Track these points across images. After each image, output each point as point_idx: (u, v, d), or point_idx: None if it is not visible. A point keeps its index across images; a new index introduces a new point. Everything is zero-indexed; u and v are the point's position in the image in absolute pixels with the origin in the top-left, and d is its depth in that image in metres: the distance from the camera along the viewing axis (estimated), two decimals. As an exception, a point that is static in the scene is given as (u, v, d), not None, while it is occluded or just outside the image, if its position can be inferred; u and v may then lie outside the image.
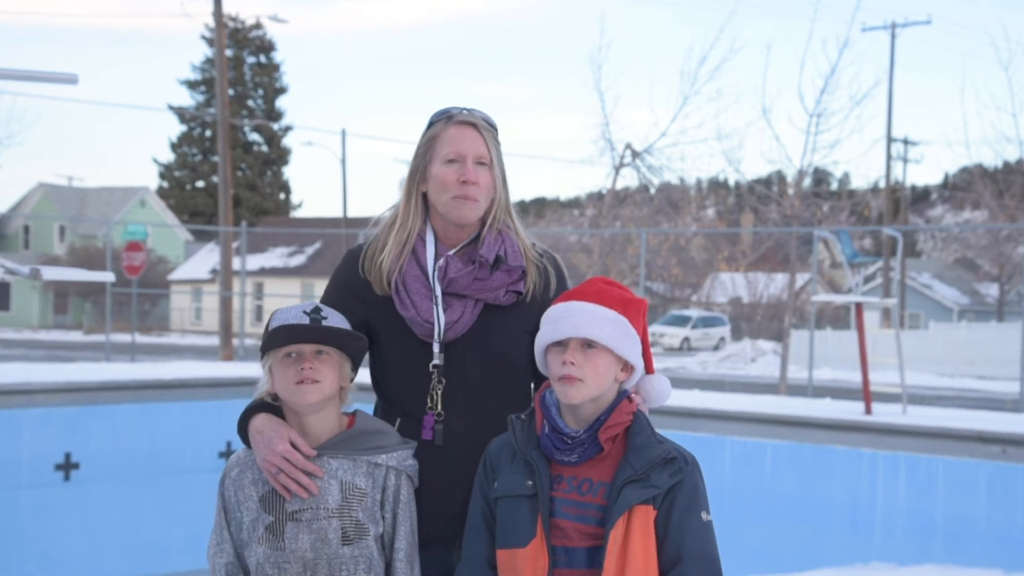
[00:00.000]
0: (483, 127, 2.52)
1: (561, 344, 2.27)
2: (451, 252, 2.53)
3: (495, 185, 2.53)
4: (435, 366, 2.48)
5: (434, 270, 2.50)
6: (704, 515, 2.25)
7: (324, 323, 2.38)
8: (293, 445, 2.37)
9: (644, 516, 2.21)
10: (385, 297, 2.52)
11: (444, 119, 2.53)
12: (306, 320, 2.37)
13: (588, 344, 2.25)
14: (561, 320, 2.28)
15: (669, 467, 2.23)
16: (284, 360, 2.37)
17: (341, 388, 2.44)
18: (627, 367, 2.30)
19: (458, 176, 2.47)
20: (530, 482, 2.26)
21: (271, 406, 2.44)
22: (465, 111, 2.54)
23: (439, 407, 2.48)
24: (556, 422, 2.27)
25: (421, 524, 2.46)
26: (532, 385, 2.57)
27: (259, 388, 2.44)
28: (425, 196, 2.55)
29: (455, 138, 2.50)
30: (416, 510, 2.47)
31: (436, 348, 2.47)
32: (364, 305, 2.55)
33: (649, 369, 2.39)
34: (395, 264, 2.51)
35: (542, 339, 2.32)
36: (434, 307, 2.48)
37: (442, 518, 2.44)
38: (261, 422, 2.40)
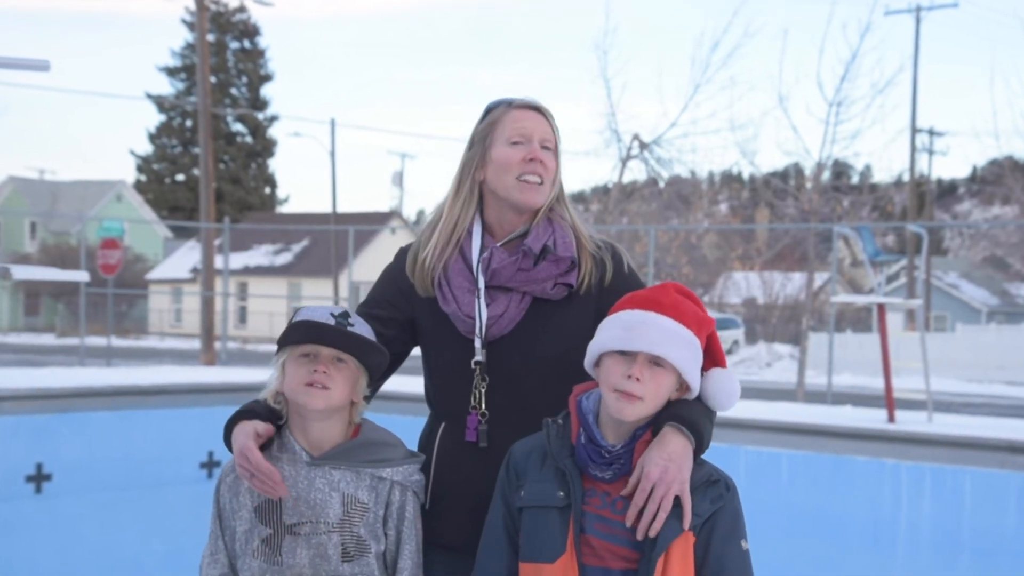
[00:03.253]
0: (546, 111, 2.57)
1: (626, 354, 2.23)
2: (498, 244, 2.54)
3: (558, 173, 2.57)
4: (477, 363, 2.48)
5: (478, 262, 2.51)
6: (744, 544, 2.25)
7: (349, 329, 2.39)
8: (269, 452, 2.38)
9: (684, 543, 2.19)
10: (429, 297, 2.55)
11: (504, 105, 2.57)
12: (331, 322, 2.38)
13: (656, 362, 2.23)
14: (635, 330, 2.23)
15: (711, 491, 2.22)
16: (299, 359, 2.38)
17: (353, 403, 2.44)
18: (684, 387, 2.29)
19: (524, 155, 2.50)
20: (561, 493, 2.24)
21: (263, 412, 2.43)
22: (528, 99, 2.59)
23: (483, 407, 2.49)
24: (593, 432, 2.25)
25: (453, 532, 2.47)
26: None
27: (267, 385, 2.45)
28: (479, 187, 2.57)
29: (519, 119, 2.53)
30: (422, 524, 2.47)
31: (478, 344, 2.48)
32: (411, 303, 2.58)
33: (719, 363, 2.35)
34: (439, 259, 2.54)
35: (607, 343, 2.26)
36: (476, 300, 2.49)
37: (477, 526, 2.41)
38: (236, 429, 2.41)
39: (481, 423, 2.49)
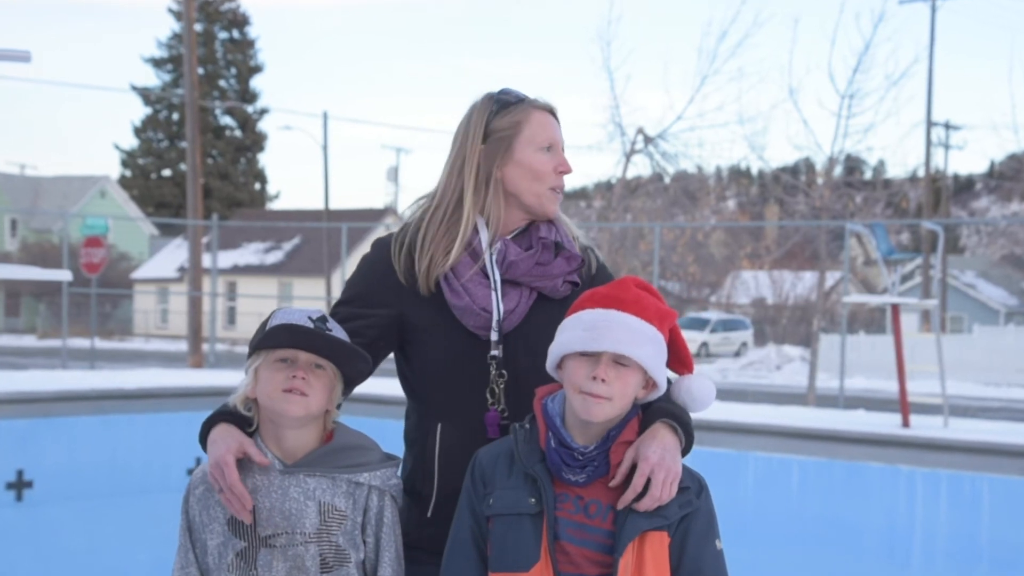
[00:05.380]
0: (557, 114, 2.67)
1: (590, 355, 2.25)
2: (508, 237, 2.59)
3: None
4: (493, 358, 2.51)
5: (491, 255, 2.54)
6: (718, 543, 2.29)
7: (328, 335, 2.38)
8: (243, 461, 2.36)
9: (658, 544, 2.22)
10: (429, 292, 2.56)
11: (524, 103, 2.61)
12: (310, 327, 2.36)
13: (621, 361, 2.25)
14: (597, 329, 2.25)
15: (679, 497, 2.25)
16: (275, 364, 2.36)
17: (326, 411, 2.43)
18: (649, 384, 2.31)
19: (555, 166, 2.59)
20: (533, 499, 2.25)
21: (237, 416, 2.43)
22: (539, 100, 2.65)
23: (502, 403, 2.51)
24: (563, 435, 2.27)
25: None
26: None
27: (238, 390, 2.43)
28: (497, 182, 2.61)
29: (544, 124, 2.61)
30: (423, 533, 2.47)
31: (495, 337, 2.51)
32: (400, 299, 2.58)
33: (689, 369, 2.40)
34: (446, 255, 2.55)
35: (569, 344, 2.28)
36: (492, 293, 2.51)
37: None
38: (218, 432, 2.40)
39: (502, 419, 2.50)
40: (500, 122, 2.58)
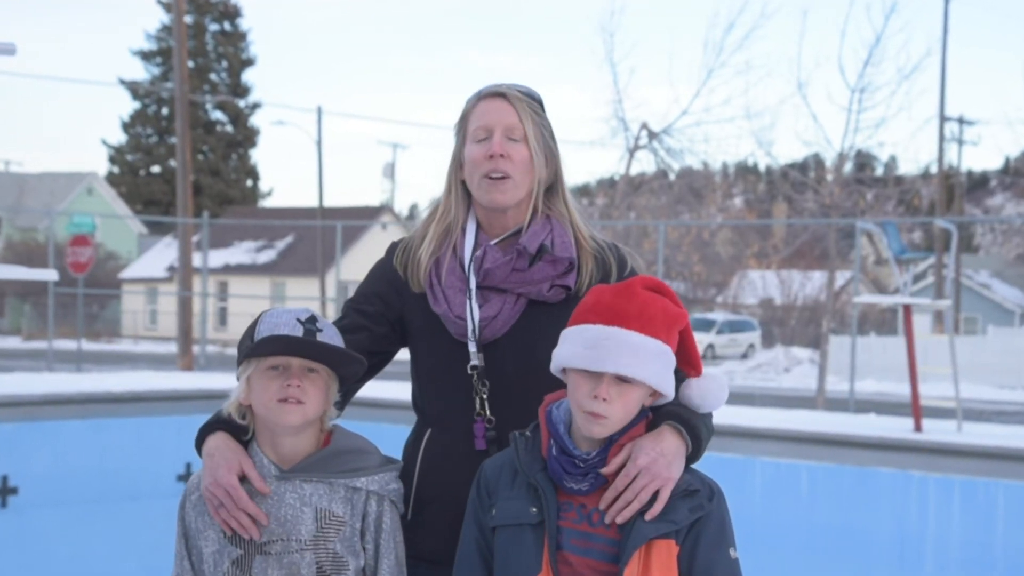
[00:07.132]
0: (515, 97, 2.57)
1: (592, 372, 2.24)
2: (492, 242, 2.57)
3: (533, 161, 2.56)
4: (474, 367, 2.50)
5: (471, 261, 2.54)
6: (732, 552, 2.27)
7: (319, 336, 2.38)
8: (244, 479, 2.37)
9: (666, 552, 2.21)
10: (422, 294, 2.57)
11: (474, 98, 2.60)
12: (300, 330, 2.36)
13: (624, 378, 2.23)
14: (599, 348, 2.22)
15: (689, 501, 2.24)
16: (267, 372, 2.36)
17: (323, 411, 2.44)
18: (656, 392, 2.31)
19: (485, 152, 2.52)
20: (534, 509, 2.26)
21: (233, 423, 2.43)
22: (497, 85, 2.61)
23: (488, 413, 2.50)
24: (565, 443, 2.26)
25: (435, 542, 2.48)
26: None
27: (231, 398, 2.43)
28: (463, 185, 2.61)
29: (482, 112, 2.56)
30: (404, 536, 2.47)
31: (473, 347, 2.50)
32: (402, 299, 2.61)
33: (696, 370, 2.39)
34: (432, 256, 2.57)
35: (570, 360, 2.26)
36: (467, 301, 2.51)
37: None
38: (215, 443, 2.41)
39: (489, 430, 2.50)
40: (457, 125, 2.63)
